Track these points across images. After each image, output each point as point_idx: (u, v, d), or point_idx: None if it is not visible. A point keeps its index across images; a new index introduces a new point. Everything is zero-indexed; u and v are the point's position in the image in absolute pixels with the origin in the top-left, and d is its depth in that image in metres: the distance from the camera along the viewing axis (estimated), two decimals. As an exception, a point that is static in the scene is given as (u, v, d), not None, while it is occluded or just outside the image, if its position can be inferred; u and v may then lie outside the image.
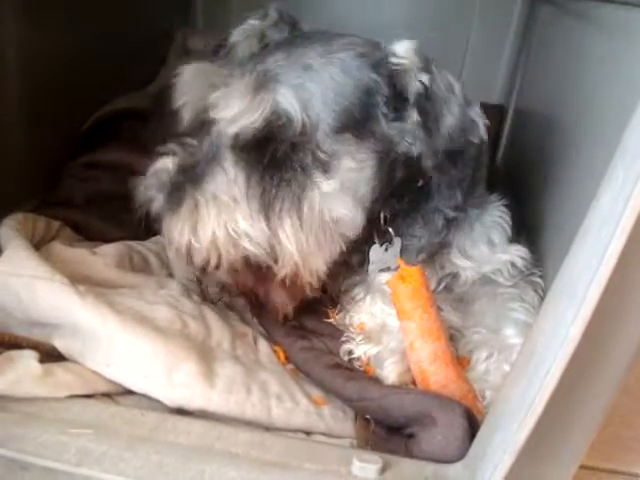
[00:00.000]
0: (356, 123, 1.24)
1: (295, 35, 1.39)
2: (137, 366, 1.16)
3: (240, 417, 1.15)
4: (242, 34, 1.43)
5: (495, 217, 1.51)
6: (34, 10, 1.75)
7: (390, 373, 1.26)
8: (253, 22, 1.43)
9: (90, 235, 1.67)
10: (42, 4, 1.78)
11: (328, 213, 1.25)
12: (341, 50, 1.25)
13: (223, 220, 1.20)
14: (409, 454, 1.09)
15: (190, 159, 1.26)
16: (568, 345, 0.83)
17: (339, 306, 1.47)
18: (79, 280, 1.26)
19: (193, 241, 1.21)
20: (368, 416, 1.19)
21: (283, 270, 1.26)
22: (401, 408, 1.14)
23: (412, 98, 1.24)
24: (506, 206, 1.52)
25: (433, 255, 1.50)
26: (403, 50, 1.25)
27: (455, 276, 1.53)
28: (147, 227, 1.72)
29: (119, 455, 1.01)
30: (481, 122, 1.27)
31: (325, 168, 1.23)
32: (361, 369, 1.31)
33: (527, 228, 1.61)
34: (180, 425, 1.09)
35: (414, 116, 1.25)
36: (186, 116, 1.30)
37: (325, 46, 1.25)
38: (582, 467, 1.21)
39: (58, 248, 1.44)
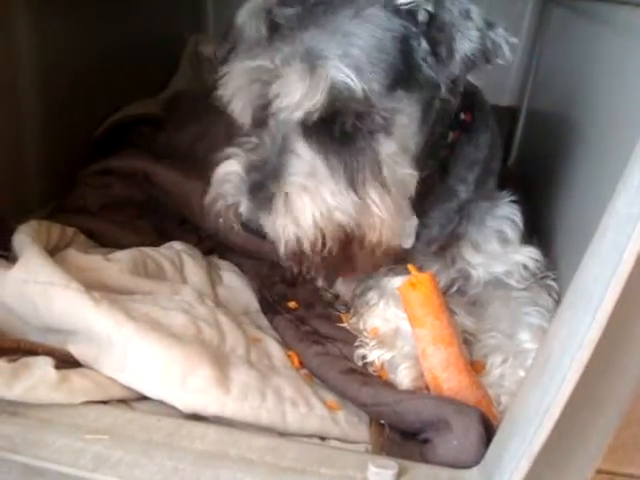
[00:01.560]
0: (402, 76, 1.24)
1: (312, 5, 1.33)
2: (152, 372, 1.16)
3: (255, 422, 1.15)
4: (248, 14, 1.40)
5: (507, 212, 1.52)
6: (47, 17, 1.78)
7: (404, 378, 1.26)
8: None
9: (104, 241, 1.67)
10: (55, 12, 1.80)
11: (398, 172, 1.27)
12: (368, 6, 1.24)
13: (318, 204, 1.20)
14: (424, 459, 1.09)
15: (258, 156, 1.26)
16: (584, 350, 0.83)
17: (352, 310, 1.47)
18: (94, 286, 1.27)
19: (298, 232, 1.21)
20: (383, 421, 1.19)
21: (374, 237, 1.27)
22: (416, 413, 1.13)
23: (419, 29, 1.24)
24: (517, 204, 1.53)
25: (445, 248, 1.51)
26: None
27: (467, 278, 1.53)
28: (160, 233, 1.74)
29: (135, 461, 1.02)
30: (505, 43, 1.23)
31: (387, 130, 1.24)
32: (375, 374, 1.31)
33: (540, 231, 1.60)
34: (195, 431, 1.09)
35: (424, 45, 1.24)
36: (245, 119, 1.31)
37: (352, 7, 1.24)
38: (599, 471, 1.21)
39: (73, 255, 1.44)
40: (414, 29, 1.23)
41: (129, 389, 1.17)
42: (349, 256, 1.32)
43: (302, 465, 1.04)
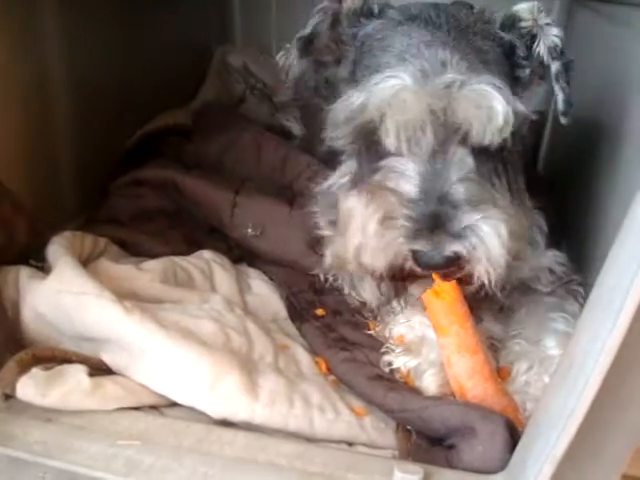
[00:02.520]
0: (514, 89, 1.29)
1: (407, 18, 1.36)
2: (182, 379, 1.18)
3: (283, 428, 1.17)
4: (319, 20, 1.40)
5: (533, 217, 1.51)
6: (77, 27, 1.82)
7: (430, 385, 1.26)
8: (326, 5, 1.40)
9: (135, 251, 1.70)
10: (84, 21, 1.85)
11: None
12: (474, 22, 1.32)
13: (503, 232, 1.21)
14: (450, 465, 1.10)
15: (417, 187, 1.23)
16: (606, 354, 0.83)
17: (379, 318, 1.48)
18: (125, 295, 1.30)
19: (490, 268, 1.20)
20: (409, 427, 1.19)
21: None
22: (442, 419, 1.14)
23: (549, 52, 1.31)
24: (542, 210, 1.53)
25: None
26: (527, 10, 1.33)
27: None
28: (190, 242, 1.76)
29: (166, 466, 1.04)
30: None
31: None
32: (401, 380, 1.31)
33: (566, 236, 1.60)
34: (225, 436, 1.11)
35: (554, 69, 1.31)
36: (397, 143, 1.26)
37: (462, 24, 1.31)
38: (625, 477, 1.19)
39: (105, 265, 1.47)
40: (522, 48, 1.36)
41: (160, 396, 1.20)
42: None
43: (330, 470, 1.05)
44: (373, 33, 1.38)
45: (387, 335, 1.41)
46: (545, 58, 1.33)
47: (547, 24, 1.32)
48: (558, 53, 1.31)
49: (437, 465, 1.07)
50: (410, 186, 1.23)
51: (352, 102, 1.27)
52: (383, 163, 1.29)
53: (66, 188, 1.86)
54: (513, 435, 1.08)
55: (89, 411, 1.14)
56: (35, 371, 1.14)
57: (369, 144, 1.31)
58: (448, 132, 1.23)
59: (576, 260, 1.52)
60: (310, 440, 1.18)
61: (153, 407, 1.21)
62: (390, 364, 1.34)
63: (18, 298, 1.30)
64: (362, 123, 1.27)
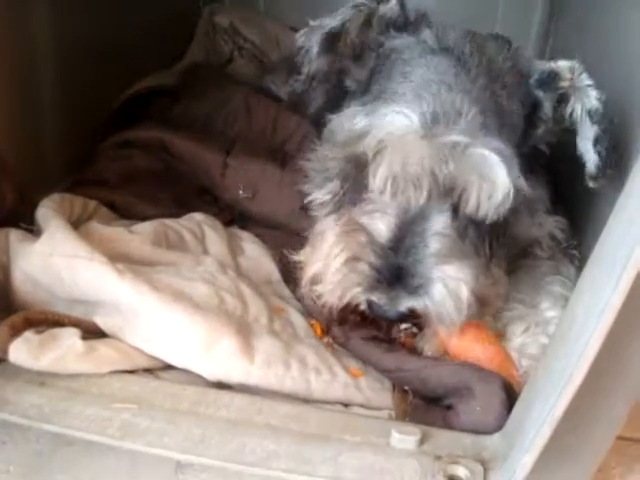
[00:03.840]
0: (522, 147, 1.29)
1: (439, 48, 1.30)
2: (177, 341, 1.18)
3: (279, 390, 1.17)
4: (351, 15, 1.33)
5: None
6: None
7: (428, 345, 1.26)
8: (364, 3, 1.33)
9: (125, 213, 1.68)
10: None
11: None
12: (508, 70, 1.28)
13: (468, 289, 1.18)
14: (447, 425, 1.10)
15: (388, 234, 1.21)
16: (608, 314, 0.82)
17: None
18: (117, 258, 1.28)
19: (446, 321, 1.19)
20: (406, 387, 1.20)
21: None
22: (439, 379, 1.14)
23: (590, 116, 1.25)
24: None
25: None
26: (567, 69, 1.28)
27: None
28: (180, 204, 1.74)
29: (162, 429, 1.03)
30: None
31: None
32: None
33: (564, 198, 1.59)
34: (221, 399, 1.11)
35: (593, 132, 1.24)
36: (387, 192, 1.22)
37: (493, 71, 1.26)
38: (618, 438, 1.21)
39: (95, 227, 1.45)
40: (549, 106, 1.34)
41: (155, 358, 1.19)
42: None
43: (326, 432, 1.05)
44: (401, 49, 1.33)
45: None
46: (581, 120, 1.27)
47: (588, 86, 1.26)
48: (599, 117, 1.24)
49: (434, 426, 1.08)
50: (385, 230, 1.21)
51: (353, 125, 1.23)
52: (366, 196, 1.26)
53: (52, 151, 1.83)
54: (510, 395, 1.09)
55: (83, 374, 1.13)
56: (28, 334, 1.13)
57: (356, 174, 1.27)
58: (440, 192, 1.19)
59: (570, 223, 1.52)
60: (306, 402, 1.18)
61: (148, 370, 1.20)
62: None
63: (9, 261, 1.28)
64: (356, 153, 1.23)
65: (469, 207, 1.18)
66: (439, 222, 1.19)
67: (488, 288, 1.25)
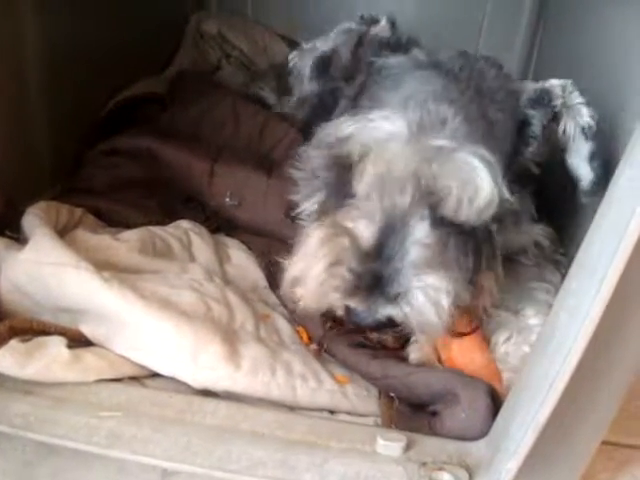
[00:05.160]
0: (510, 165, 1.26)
1: (430, 63, 1.30)
2: (163, 349, 1.18)
3: (265, 397, 1.17)
4: (343, 40, 1.34)
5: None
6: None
7: (414, 352, 1.26)
8: (354, 27, 1.34)
9: (112, 221, 1.67)
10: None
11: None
12: (498, 89, 1.26)
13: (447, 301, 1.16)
14: (432, 431, 1.11)
15: (368, 238, 1.18)
16: (589, 322, 0.83)
17: None
18: (103, 266, 1.28)
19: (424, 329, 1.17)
20: (392, 394, 1.20)
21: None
22: (425, 386, 1.15)
23: (583, 133, 1.25)
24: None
25: None
26: (559, 88, 1.27)
27: None
28: (167, 212, 1.74)
29: (148, 437, 1.03)
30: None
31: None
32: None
33: (550, 207, 1.60)
34: (207, 406, 1.11)
35: (588, 149, 1.24)
36: (369, 188, 1.20)
37: (483, 88, 1.25)
38: (604, 443, 1.22)
39: (82, 235, 1.45)
40: (538, 124, 1.31)
41: (141, 366, 1.19)
42: None
43: (312, 439, 1.06)
44: (391, 66, 1.32)
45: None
46: (574, 138, 1.26)
47: (579, 103, 1.26)
48: (592, 134, 1.24)
49: (420, 432, 1.08)
50: (368, 234, 1.18)
51: (342, 128, 1.21)
52: (351, 201, 1.24)
53: (40, 158, 1.82)
54: (495, 401, 1.09)
55: (69, 383, 1.12)
56: (13, 343, 1.13)
57: (341, 178, 1.25)
58: (423, 194, 1.17)
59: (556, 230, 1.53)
60: (292, 409, 1.19)
61: (134, 378, 1.20)
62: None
63: (-6, 269, 1.27)
64: (341, 154, 1.21)
65: (448, 209, 1.16)
66: (421, 230, 1.18)
67: (472, 298, 1.23)
